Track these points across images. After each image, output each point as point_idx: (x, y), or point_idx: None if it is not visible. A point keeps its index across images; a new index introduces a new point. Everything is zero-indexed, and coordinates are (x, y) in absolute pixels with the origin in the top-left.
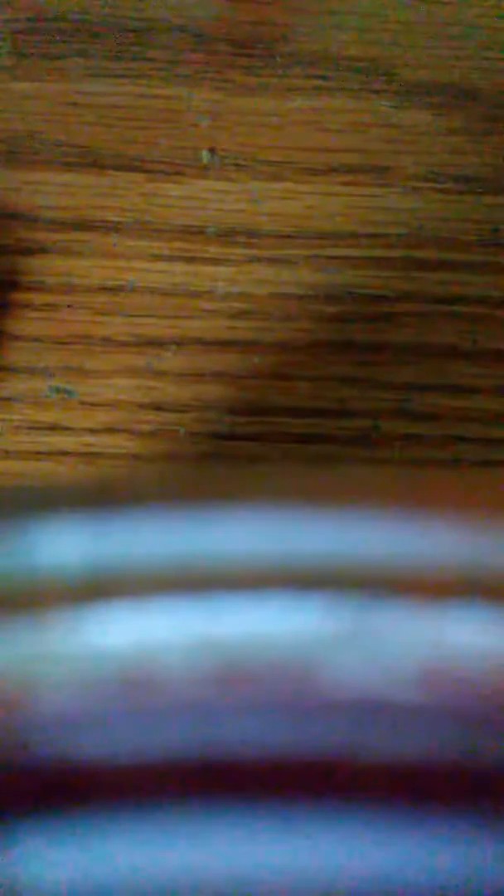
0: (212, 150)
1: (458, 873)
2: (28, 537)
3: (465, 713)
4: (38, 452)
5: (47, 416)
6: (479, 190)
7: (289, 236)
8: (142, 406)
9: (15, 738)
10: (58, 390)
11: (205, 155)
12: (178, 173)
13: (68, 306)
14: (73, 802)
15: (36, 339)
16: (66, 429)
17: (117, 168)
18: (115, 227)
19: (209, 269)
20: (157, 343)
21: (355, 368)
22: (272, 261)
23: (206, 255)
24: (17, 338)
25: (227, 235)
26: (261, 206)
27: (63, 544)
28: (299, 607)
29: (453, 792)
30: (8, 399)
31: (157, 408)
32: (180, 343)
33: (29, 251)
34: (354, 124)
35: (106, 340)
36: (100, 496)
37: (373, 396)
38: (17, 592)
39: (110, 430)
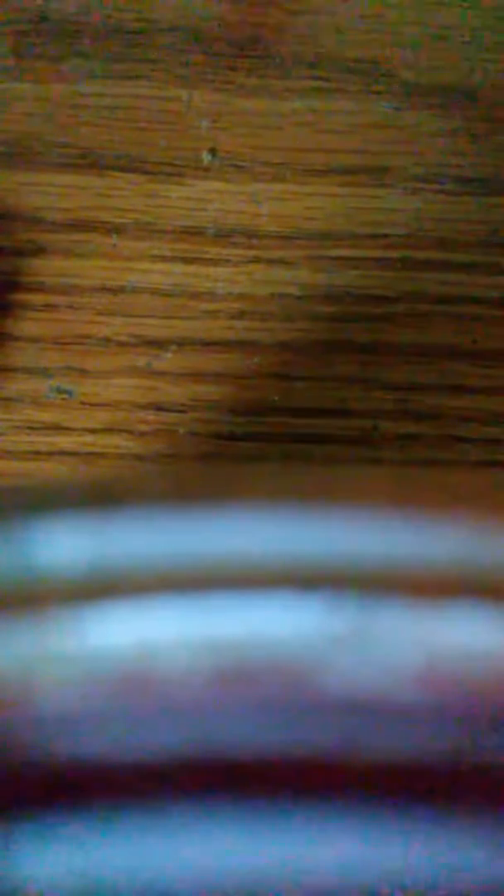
0: (212, 151)
1: (458, 873)
2: (28, 537)
3: (465, 713)
4: (38, 452)
5: (47, 416)
6: (479, 190)
7: (289, 237)
8: (142, 406)
9: (15, 738)
10: (58, 390)
11: (205, 156)
12: (178, 174)
13: (68, 306)
14: (73, 802)
15: (36, 339)
16: (66, 429)
17: (117, 169)
18: (115, 228)
19: (209, 269)
20: (157, 343)
21: (355, 368)
22: (272, 261)
23: (206, 256)
24: (17, 338)
25: (227, 236)
26: (261, 207)
27: (63, 544)
28: (299, 607)
29: (453, 792)
30: (8, 399)
31: (157, 408)
32: (180, 343)
33: (29, 252)
34: (354, 125)
35: (106, 340)
36: (100, 496)
37: (373, 396)
38: (17, 592)
39: (110, 430)
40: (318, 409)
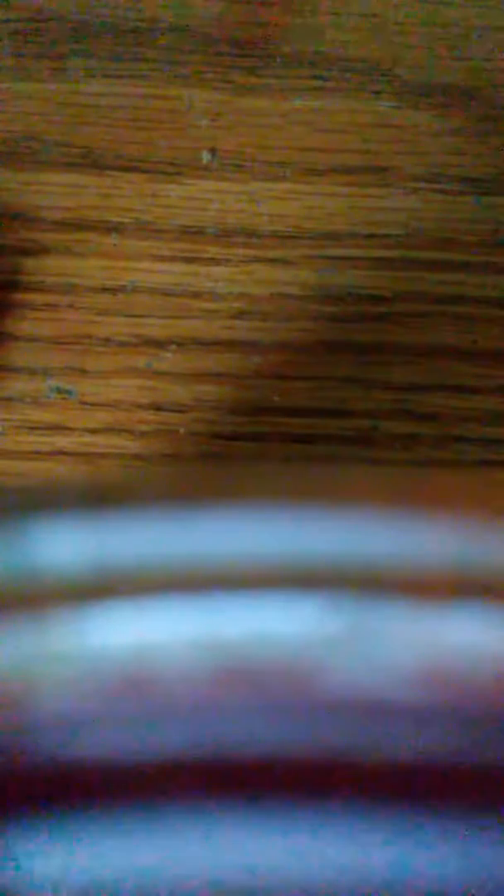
0: (212, 151)
1: (458, 873)
2: (28, 537)
3: (465, 713)
4: (38, 452)
5: (47, 416)
6: (479, 190)
7: (289, 236)
8: (142, 406)
9: (15, 738)
10: (58, 390)
11: (205, 155)
12: (178, 173)
13: (68, 306)
14: (73, 802)
15: (36, 339)
16: (66, 429)
17: (117, 168)
18: (115, 228)
19: (209, 269)
20: (157, 343)
21: (355, 368)
22: (272, 261)
23: (206, 256)
24: (17, 338)
25: (227, 235)
26: (261, 207)
27: (63, 544)
28: (299, 607)
29: (453, 792)
30: (8, 399)
31: (157, 408)
32: (180, 343)
33: (29, 251)
34: (354, 124)
35: (106, 340)
36: (100, 496)
37: (373, 396)
38: (17, 592)
39: (110, 430)
40: (318, 410)
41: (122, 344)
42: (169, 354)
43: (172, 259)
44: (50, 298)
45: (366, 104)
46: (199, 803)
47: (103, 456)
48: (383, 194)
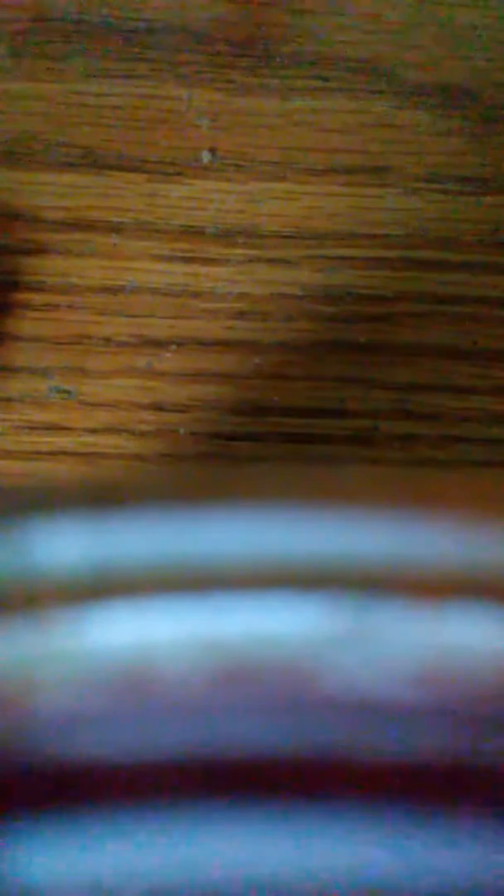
0: (212, 151)
1: (458, 873)
2: (28, 537)
3: (465, 713)
4: (38, 452)
5: (47, 416)
6: (479, 190)
7: (289, 236)
8: (142, 406)
9: (15, 738)
10: (58, 390)
11: (205, 155)
12: (178, 174)
13: (68, 306)
14: (73, 802)
15: (36, 339)
16: (66, 429)
17: (117, 168)
18: (115, 228)
19: (209, 269)
20: (157, 343)
21: (355, 368)
22: (272, 261)
23: (206, 256)
24: (17, 338)
25: (227, 236)
26: (261, 207)
27: (63, 544)
28: (299, 607)
29: (453, 792)
30: (8, 399)
31: (157, 408)
32: (180, 343)
33: (29, 251)
34: (354, 124)
35: (106, 340)
36: (100, 496)
37: (373, 396)
38: (17, 592)
39: (110, 430)
40: (318, 409)
41: (122, 344)
42: (169, 354)
43: (172, 259)
44: (50, 298)
45: (366, 104)
46: (198, 803)
47: (103, 456)
48: (383, 194)
